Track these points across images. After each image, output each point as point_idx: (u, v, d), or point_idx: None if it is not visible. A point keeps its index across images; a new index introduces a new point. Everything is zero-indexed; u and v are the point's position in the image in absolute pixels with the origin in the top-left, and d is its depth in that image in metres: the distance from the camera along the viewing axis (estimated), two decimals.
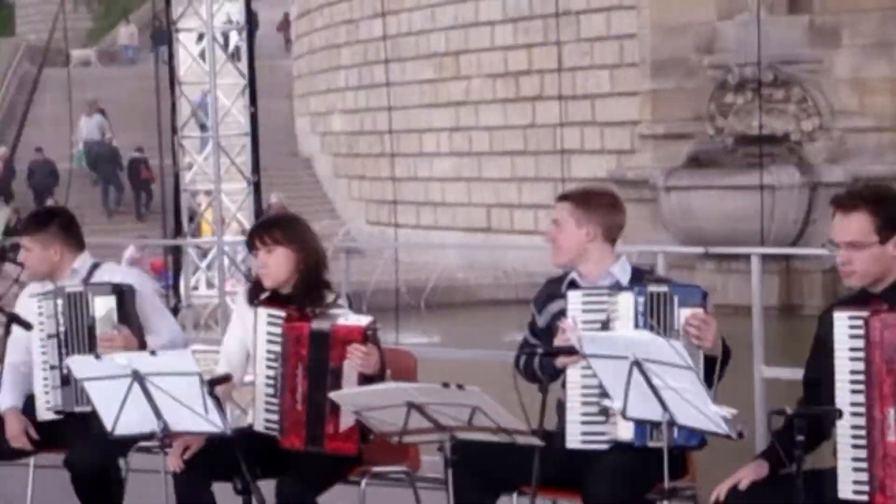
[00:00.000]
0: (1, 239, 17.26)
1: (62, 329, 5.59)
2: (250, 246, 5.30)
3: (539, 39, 21.62)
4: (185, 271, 11.37)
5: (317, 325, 5.04)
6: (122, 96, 30.51)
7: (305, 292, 5.17)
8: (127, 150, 28.53)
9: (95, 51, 38.81)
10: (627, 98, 20.64)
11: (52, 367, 5.60)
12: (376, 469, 5.18)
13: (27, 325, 5.52)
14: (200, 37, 11.18)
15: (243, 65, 11.14)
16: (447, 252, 22.55)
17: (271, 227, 5.27)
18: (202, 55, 11.09)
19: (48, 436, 5.64)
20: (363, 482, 5.13)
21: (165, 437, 4.69)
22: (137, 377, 4.58)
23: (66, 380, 5.55)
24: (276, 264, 5.17)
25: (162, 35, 14.81)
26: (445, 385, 4.27)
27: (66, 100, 19.05)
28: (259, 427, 5.13)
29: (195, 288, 11.54)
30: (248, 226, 10.71)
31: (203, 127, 11.71)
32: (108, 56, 38.77)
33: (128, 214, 28.23)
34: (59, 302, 5.59)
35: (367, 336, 4.95)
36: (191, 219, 11.57)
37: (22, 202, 25.89)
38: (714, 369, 4.54)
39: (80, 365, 4.84)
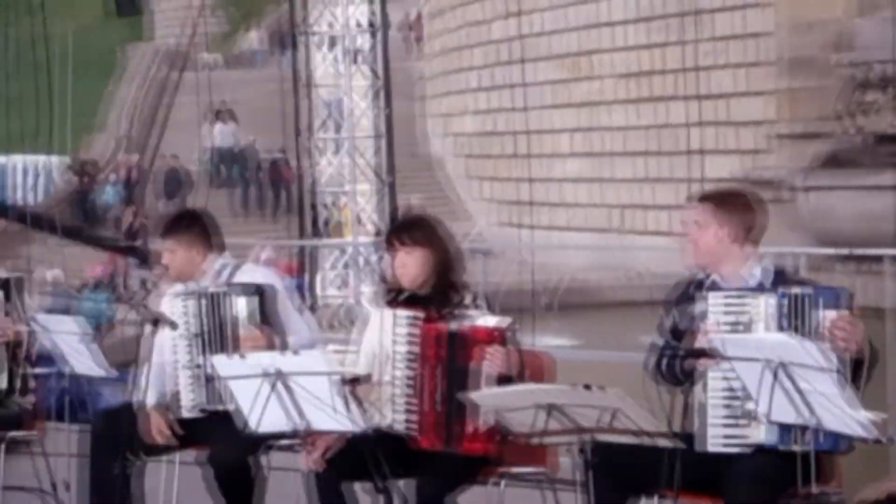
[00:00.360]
0: None
1: (205, 329, 5.68)
2: (389, 246, 5.33)
3: (671, 38, 21.43)
4: (320, 271, 11.50)
5: (455, 325, 5.06)
6: (250, 99, 30.89)
7: (443, 293, 5.19)
8: (251, 150, 28.79)
9: (222, 55, 39.33)
10: (759, 97, 20.38)
11: (196, 366, 5.69)
12: (515, 470, 5.18)
13: (173, 325, 5.61)
14: (331, 40, 11.30)
15: (377, 67, 11.22)
16: (578, 253, 22.46)
17: (411, 228, 5.30)
18: (333, 58, 11.20)
19: (190, 433, 5.74)
20: (502, 483, 5.13)
21: (307, 436, 4.74)
22: (280, 376, 4.63)
23: (209, 378, 5.64)
24: (415, 265, 5.20)
25: (292, 39, 14.98)
26: (587, 387, 4.26)
27: (195, 103, 19.32)
28: (398, 427, 5.15)
29: (328, 288, 11.67)
30: (381, 227, 10.80)
31: (334, 128, 11.82)
32: (234, 60, 39.22)
33: (256, 216, 28.53)
34: (203, 302, 5.68)
35: (506, 337, 4.96)
36: (325, 222, 11.69)
37: (151, 207, 26.30)
38: (861, 372, 4.47)
39: (223, 364, 4.92)
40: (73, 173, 28.29)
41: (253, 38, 40.85)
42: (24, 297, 6.12)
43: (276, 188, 28.58)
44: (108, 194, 27.79)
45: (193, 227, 5.85)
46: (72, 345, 5.76)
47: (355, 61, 11.33)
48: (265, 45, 39.78)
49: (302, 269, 12.63)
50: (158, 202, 26.56)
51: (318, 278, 11.45)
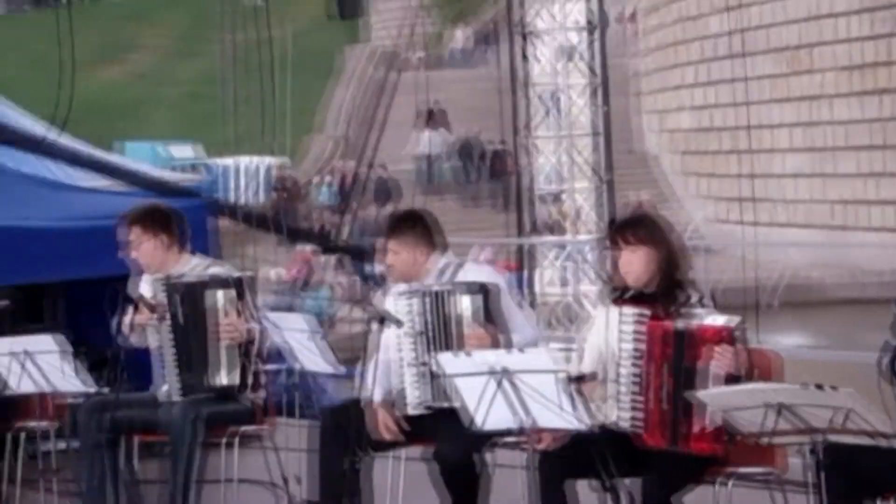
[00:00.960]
0: None
1: (429, 326, 5.74)
2: (612, 244, 5.30)
3: None
4: (538, 268, 11.53)
5: (682, 324, 5.01)
6: (461, 98, 31.11)
7: (669, 291, 5.15)
8: (475, 141, 28.94)
9: (434, 54, 39.65)
10: None
11: (421, 364, 5.76)
12: (742, 470, 5.10)
13: (398, 323, 5.68)
14: (548, 38, 11.30)
15: (594, 64, 11.19)
16: (799, 250, 22.01)
17: (635, 225, 5.27)
18: (550, 56, 11.20)
19: (416, 429, 5.82)
20: (730, 483, 5.07)
21: (532, 433, 4.76)
22: (506, 374, 4.66)
23: (434, 375, 5.71)
24: (640, 263, 5.17)
25: (509, 37, 15.02)
26: (819, 386, 4.17)
27: (409, 103, 19.47)
28: (623, 424, 5.13)
29: (546, 286, 11.68)
30: (600, 225, 10.77)
31: (551, 126, 11.82)
32: (443, 59, 39.49)
33: (477, 208, 28.64)
34: (427, 301, 5.74)
35: (735, 337, 4.89)
36: (543, 219, 11.71)
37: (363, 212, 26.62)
38: None
39: (449, 361, 4.96)
40: (273, 190, 28.92)
41: (459, 37, 41.11)
42: (255, 296, 6.28)
43: (498, 179, 28.61)
44: (324, 195, 28.33)
45: (416, 227, 5.92)
46: (301, 342, 5.89)
47: (572, 59, 11.31)
48: (471, 44, 39.98)
49: (521, 266, 12.70)
50: (368, 209, 26.96)
51: (537, 276, 11.48)
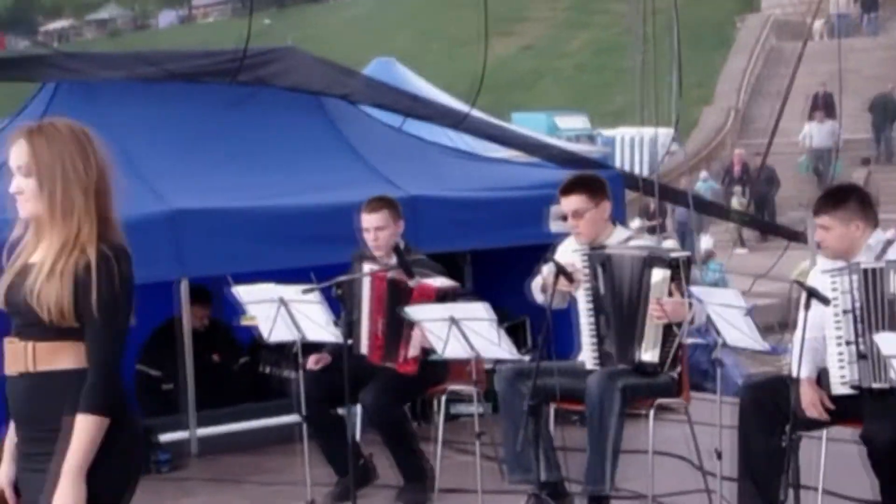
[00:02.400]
0: None
1: (857, 305, 5.60)
2: None
3: None
4: None
5: None
6: (859, 68, 29.99)
7: None
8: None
9: (823, 22, 38.40)
10: None
11: (848, 343, 5.62)
12: None
13: (825, 300, 5.56)
14: None
15: None
16: None
17: None
18: None
19: (840, 409, 5.70)
20: None
21: None
22: None
23: (861, 355, 5.57)
24: None
25: None
26: None
27: (805, 73, 18.85)
28: None
29: None
30: None
31: None
32: (830, 28, 38.16)
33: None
34: (855, 278, 5.60)
35: None
36: None
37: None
38: None
39: (889, 342, 4.83)
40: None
41: (841, 4, 39.59)
42: (689, 275, 6.26)
43: None
44: (700, 188, 27.84)
45: (849, 202, 5.76)
46: (723, 316, 5.84)
47: None
48: (850, 10, 38.45)
49: None
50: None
51: None
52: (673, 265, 6.22)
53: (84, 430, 3.54)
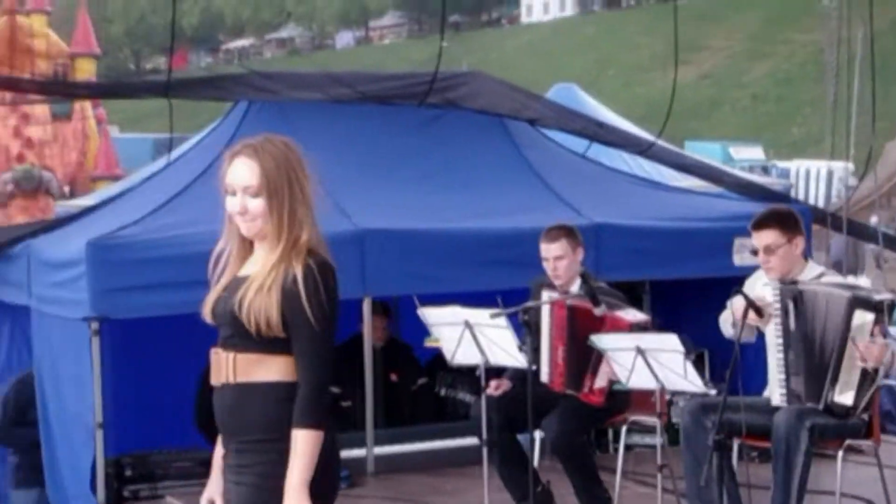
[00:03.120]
0: None
1: None
2: None
3: None
4: None
5: None
6: None
7: None
8: None
9: None
10: None
11: None
12: None
13: None
14: None
15: None
16: None
17: None
18: None
19: None
20: None
21: None
22: None
23: None
24: None
25: None
26: None
27: None
28: None
29: None
30: None
31: None
32: None
33: None
34: None
35: None
36: None
37: None
38: None
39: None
40: None
41: None
42: (890, 318, 6.12)
43: None
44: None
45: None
46: None
47: None
48: None
49: None
50: None
51: None
52: (878, 308, 6.06)
53: (306, 444, 3.58)
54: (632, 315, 6.78)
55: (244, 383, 3.67)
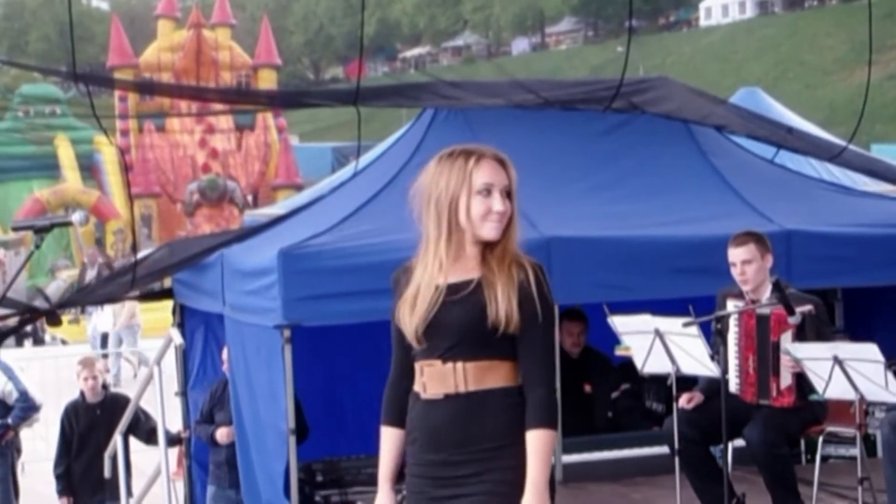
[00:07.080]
0: None
1: None
2: None
3: None
4: None
5: None
6: None
7: None
8: None
9: None
10: None
11: None
12: None
13: None
14: None
15: None
16: None
17: None
18: None
19: None
20: None
21: None
22: None
23: None
24: None
25: None
26: None
27: None
28: None
29: None
30: None
31: None
32: None
33: None
34: None
35: None
36: None
37: None
38: None
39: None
40: None
41: None
42: None
43: None
44: None
45: None
46: None
47: None
48: None
49: None
50: None
51: None
52: None
53: (545, 444, 3.61)
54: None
55: (477, 391, 3.67)
